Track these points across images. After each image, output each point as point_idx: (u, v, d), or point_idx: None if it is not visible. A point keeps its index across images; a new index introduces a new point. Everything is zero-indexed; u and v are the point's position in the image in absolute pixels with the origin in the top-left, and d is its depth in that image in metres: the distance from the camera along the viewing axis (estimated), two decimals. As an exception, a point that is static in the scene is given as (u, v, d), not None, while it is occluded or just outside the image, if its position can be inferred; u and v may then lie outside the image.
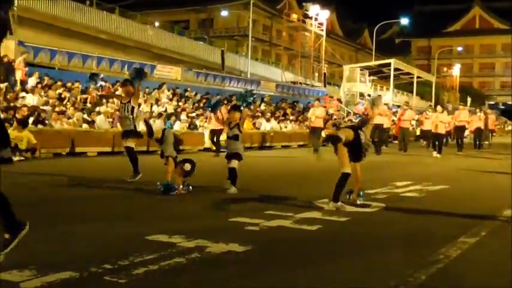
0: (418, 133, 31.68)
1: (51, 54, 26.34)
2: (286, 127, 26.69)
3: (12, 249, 4.27)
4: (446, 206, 8.16)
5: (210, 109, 10.87)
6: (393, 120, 27.32)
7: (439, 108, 21.37)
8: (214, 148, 19.18)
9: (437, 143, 20.68)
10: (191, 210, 7.26)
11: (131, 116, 10.63)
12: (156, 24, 50.78)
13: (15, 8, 25.95)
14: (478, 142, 26.34)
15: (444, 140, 25.61)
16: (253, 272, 4.44)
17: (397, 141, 25.02)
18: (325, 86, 50.56)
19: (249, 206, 7.51)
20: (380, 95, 25.15)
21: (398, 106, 45.24)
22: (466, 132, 27.45)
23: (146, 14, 55.00)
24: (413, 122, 30.65)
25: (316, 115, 20.88)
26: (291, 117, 29.05)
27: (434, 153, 20.13)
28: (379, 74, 53.94)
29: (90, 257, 4.56)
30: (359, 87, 47.58)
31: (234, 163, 8.89)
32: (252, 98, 10.01)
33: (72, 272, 4.09)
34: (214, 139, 18.92)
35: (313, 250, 5.24)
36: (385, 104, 29.58)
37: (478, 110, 29.76)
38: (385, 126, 22.89)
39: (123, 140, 10.88)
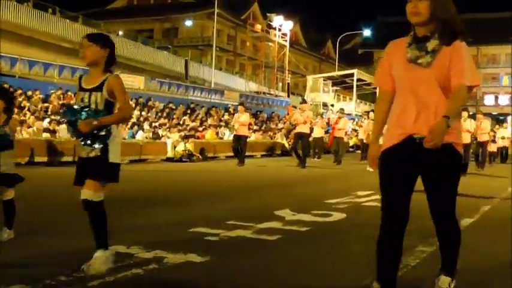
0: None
1: (12, 62, 26.00)
2: (249, 137, 26.66)
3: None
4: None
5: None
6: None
7: (371, 114, 18.73)
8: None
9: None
10: (149, 221, 7.18)
11: None
12: (120, 33, 50.47)
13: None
14: None
15: None
16: (211, 282, 4.40)
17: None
18: (288, 96, 50.78)
19: (209, 216, 7.46)
20: (304, 99, 23.48)
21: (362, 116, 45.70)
22: None
23: (110, 22, 54.68)
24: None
25: (240, 122, 18.85)
26: (255, 127, 29.05)
27: (368, 167, 17.82)
28: (343, 85, 54.43)
29: (44, 269, 4.47)
30: (322, 97, 47.93)
31: (12, 193, 5.79)
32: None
33: (24, 285, 3.99)
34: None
35: (272, 260, 5.22)
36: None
37: None
38: (316, 136, 22.36)
39: None
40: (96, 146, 4.43)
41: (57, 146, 16.75)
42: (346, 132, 24.56)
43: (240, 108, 19.72)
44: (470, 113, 19.66)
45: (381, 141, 3.82)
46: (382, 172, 3.70)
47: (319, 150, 23.51)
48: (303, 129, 18.29)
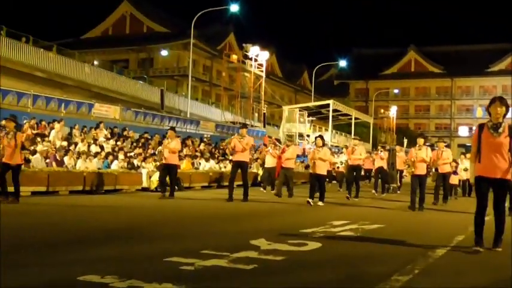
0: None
1: (-16, 91, 25.78)
2: (225, 167, 26.61)
3: None
4: (382, 244, 8.24)
5: None
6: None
7: (318, 141, 16.32)
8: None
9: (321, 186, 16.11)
10: (123, 251, 7.11)
11: None
12: (95, 63, 50.43)
13: None
14: (381, 184, 22.72)
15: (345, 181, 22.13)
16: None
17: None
18: (264, 126, 50.97)
19: (183, 246, 7.41)
20: (244, 123, 21.08)
21: (337, 147, 45.91)
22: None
23: (85, 52, 54.73)
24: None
25: (170, 148, 16.75)
26: (230, 157, 29.00)
27: (311, 201, 15.45)
28: (318, 115, 54.82)
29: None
30: (298, 127, 48.17)
31: None
32: None
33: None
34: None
35: (248, 289, 5.19)
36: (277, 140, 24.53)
37: (379, 147, 25.05)
38: (268, 166, 21.37)
39: None
40: None
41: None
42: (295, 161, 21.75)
43: (170, 133, 17.50)
44: (428, 144, 17.65)
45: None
46: None
47: (272, 181, 21.68)
48: (242, 157, 16.19)
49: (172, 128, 18.38)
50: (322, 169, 15.89)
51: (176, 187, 20.17)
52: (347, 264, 6.66)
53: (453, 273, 6.29)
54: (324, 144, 16.40)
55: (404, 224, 11.96)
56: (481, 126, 7.66)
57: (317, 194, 15.99)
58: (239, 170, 16.34)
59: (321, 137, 16.81)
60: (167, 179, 17.26)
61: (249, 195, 16.19)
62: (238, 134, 17.12)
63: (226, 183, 19.72)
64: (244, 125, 18.42)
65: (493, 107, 7.49)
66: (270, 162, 21.54)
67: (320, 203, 15.57)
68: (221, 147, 31.36)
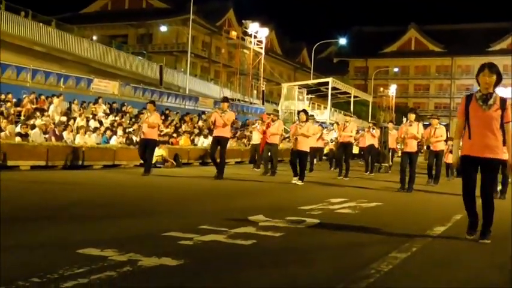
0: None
1: (-17, 65, 25.68)
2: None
3: None
4: (380, 222, 8.28)
5: None
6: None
7: (301, 116, 15.28)
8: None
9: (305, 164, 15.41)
10: (123, 224, 7.14)
11: None
12: (94, 38, 50.20)
13: None
14: (370, 163, 21.58)
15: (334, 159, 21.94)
16: (184, 286, 4.39)
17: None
18: (263, 104, 50.85)
19: (182, 221, 7.45)
20: (225, 97, 18.71)
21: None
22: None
23: (84, 27, 54.41)
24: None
25: (149, 123, 15.82)
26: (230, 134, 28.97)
27: (294, 179, 14.84)
28: (317, 93, 54.67)
29: (18, 270, 4.42)
30: (297, 105, 48.08)
31: None
32: None
33: (-4, 286, 3.92)
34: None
35: (247, 265, 5.22)
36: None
37: (370, 124, 23.59)
38: (255, 142, 21.46)
39: None
40: None
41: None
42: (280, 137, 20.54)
43: (149, 106, 16.46)
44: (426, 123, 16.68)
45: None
46: None
47: (259, 158, 20.80)
48: (222, 132, 15.42)
49: (152, 102, 17.39)
50: (304, 145, 14.88)
51: (174, 163, 20.31)
52: (345, 241, 6.70)
53: (450, 251, 6.33)
54: (307, 119, 15.33)
55: (402, 202, 12.01)
56: (468, 98, 6.63)
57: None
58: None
59: (304, 111, 15.85)
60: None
61: (222, 174, 15.29)
62: (219, 107, 16.31)
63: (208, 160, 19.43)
64: (226, 99, 16.93)
65: (482, 76, 6.48)
66: (257, 138, 21.40)
67: (299, 182, 14.71)
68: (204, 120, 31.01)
